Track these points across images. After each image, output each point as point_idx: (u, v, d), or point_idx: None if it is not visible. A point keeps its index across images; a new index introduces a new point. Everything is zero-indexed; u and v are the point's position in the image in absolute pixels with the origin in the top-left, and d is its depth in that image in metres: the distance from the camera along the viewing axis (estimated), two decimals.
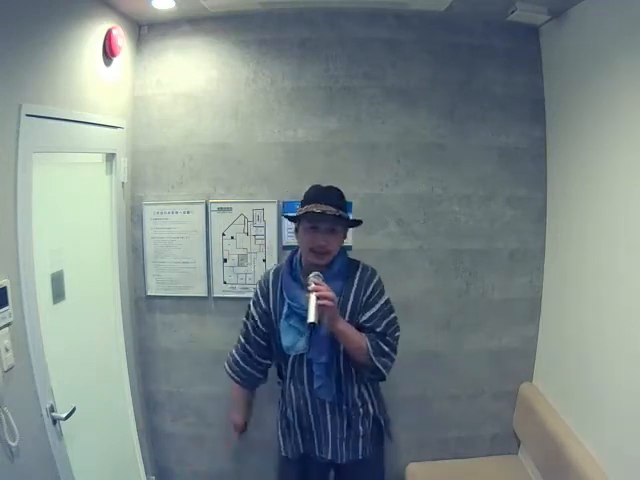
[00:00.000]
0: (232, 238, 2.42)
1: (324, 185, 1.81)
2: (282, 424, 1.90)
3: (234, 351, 1.96)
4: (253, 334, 1.89)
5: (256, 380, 1.97)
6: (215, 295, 2.45)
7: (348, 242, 2.36)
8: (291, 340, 1.74)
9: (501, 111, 2.35)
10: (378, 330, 1.73)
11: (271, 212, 2.39)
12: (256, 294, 1.89)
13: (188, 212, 2.42)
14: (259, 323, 1.87)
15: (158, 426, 2.57)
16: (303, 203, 1.76)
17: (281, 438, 1.90)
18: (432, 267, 2.42)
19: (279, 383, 1.95)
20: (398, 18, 2.31)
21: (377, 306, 1.76)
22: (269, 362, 1.96)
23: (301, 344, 1.73)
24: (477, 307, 2.45)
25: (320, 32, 2.32)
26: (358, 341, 1.69)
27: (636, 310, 1.64)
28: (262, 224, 2.40)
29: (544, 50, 2.33)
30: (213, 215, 2.41)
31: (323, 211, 1.66)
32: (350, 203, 2.34)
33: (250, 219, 2.40)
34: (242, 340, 1.93)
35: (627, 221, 1.71)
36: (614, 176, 1.80)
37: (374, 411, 1.86)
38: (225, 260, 2.43)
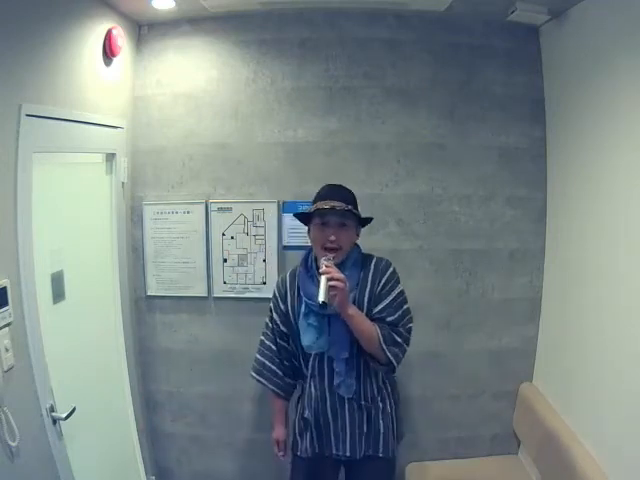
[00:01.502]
0: (232, 238, 2.42)
1: (334, 184, 1.84)
2: (299, 425, 1.90)
3: (263, 360, 1.93)
4: (279, 339, 1.90)
5: (289, 385, 1.95)
6: (215, 295, 2.45)
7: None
8: (311, 338, 1.75)
9: (501, 111, 2.35)
10: (390, 320, 1.74)
11: (271, 212, 2.39)
12: (275, 297, 1.91)
13: (188, 212, 2.42)
14: (281, 327, 1.88)
15: (158, 426, 2.57)
16: (313, 202, 1.79)
17: (299, 438, 1.91)
18: (432, 267, 2.42)
19: (303, 385, 1.93)
20: (398, 18, 2.31)
21: (391, 297, 1.77)
22: (297, 364, 1.93)
23: (321, 342, 1.74)
24: (477, 307, 2.45)
25: (320, 32, 2.32)
26: (368, 328, 1.70)
27: (636, 310, 1.64)
28: (262, 224, 2.40)
29: (544, 50, 2.33)
30: (213, 215, 2.41)
31: (332, 206, 1.69)
32: None
33: (250, 219, 2.40)
34: (272, 347, 1.91)
35: (627, 221, 1.71)
36: (614, 176, 1.80)
37: (391, 409, 1.87)
38: (225, 260, 2.43)
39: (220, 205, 2.40)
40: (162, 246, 2.44)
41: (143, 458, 2.42)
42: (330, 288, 1.58)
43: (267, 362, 1.92)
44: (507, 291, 2.44)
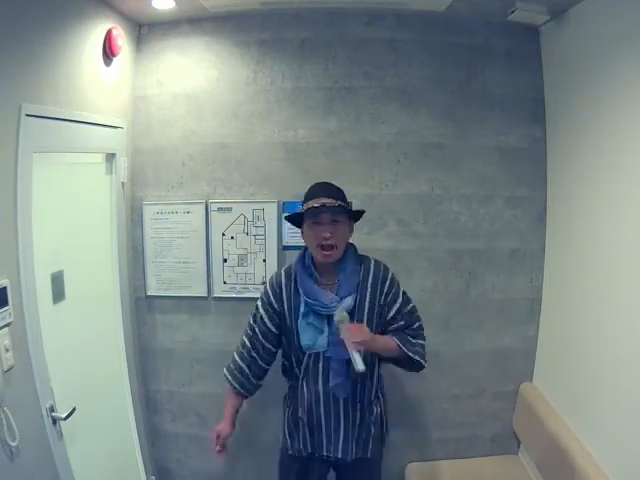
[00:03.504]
0: (232, 238, 2.42)
1: (322, 182, 1.84)
2: (290, 423, 1.89)
3: (237, 358, 1.90)
4: (262, 339, 1.85)
5: (256, 388, 1.93)
6: (215, 295, 2.45)
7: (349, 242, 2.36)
8: (311, 338, 1.75)
9: (501, 111, 2.35)
10: (402, 324, 1.80)
11: (271, 212, 2.39)
12: (267, 295, 1.85)
13: (188, 212, 2.42)
14: (269, 325, 1.84)
15: (158, 426, 2.57)
16: (303, 203, 1.79)
17: (288, 437, 1.89)
18: (432, 267, 2.42)
19: (291, 384, 1.93)
20: (398, 18, 2.30)
21: (398, 303, 1.81)
22: (269, 368, 1.93)
23: (321, 342, 1.75)
24: (477, 307, 2.45)
25: (320, 32, 2.32)
26: (391, 346, 1.76)
27: (636, 310, 1.64)
28: (262, 224, 2.40)
29: (544, 50, 2.33)
30: (213, 215, 2.41)
31: (322, 204, 1.70)
32: (350, 203, 2.35)
33: (250, 219, 2.40)
34: (248, 345, 1.87)
35: (627, 221, 1.71)
36: (614, 176, 1.80)
37: (381, 411, 1.89)
38: (225, 260, 2.43)
39: (220, 205, 2.40)
40: (162, 246, 2.44)
41: (143, 458, 2.42)
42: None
43: (237, 359, 1.89)
44: (507, 291, 2.44)
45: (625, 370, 1.69)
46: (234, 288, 2.44)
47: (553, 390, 2.27)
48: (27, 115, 1.53)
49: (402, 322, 1.80)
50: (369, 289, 1.78)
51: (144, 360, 2.52)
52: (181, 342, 2.50)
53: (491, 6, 2.14)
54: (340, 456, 1.83)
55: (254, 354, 1.87)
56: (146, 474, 2.44)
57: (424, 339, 1.85)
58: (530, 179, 2.39)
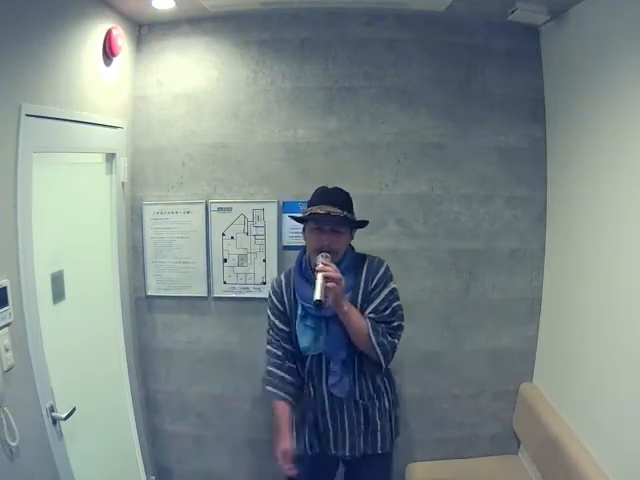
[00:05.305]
0: (232, 238, 2.42)
1: (330, 187, 1.82)
2: (297, 424, 1.89)
3: (275, 370, 1.84)
4: (284, 344, 1.84)
5: (298, 389, 1.86)
6: (215, 295, 2.45)
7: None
8: (308, 340, 1.75)
9: (501, 111, 2.35)
10: (381, 317, 1.75)
11: (271, 212, 2.38)
12: (271, 301, 1.88)
13: (188, 212, 2.42)
14: (283, 327, 1.84)
15: (158, 426, 2.57)
16: (309, 204, 1.78)
17: (295, 437, 1.88)
18: (432, 267, 2.42)
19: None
20: (398, 18, 2.30)
21: (382, 295, 1.77)
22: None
23: (319, 344, 1.75)
24: (477, 307, 2.45)
25: (320, 32, 2.32)
26: (361, 325, 1.70)
27: (636, 310, 1.64)
28: (262, 224, 2.40)
29: (544, 50, 2.33)
30: (213, 215, 2.41)
31: (327, 212, 1.68)
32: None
33: (250, 219, 2.40)
34: (280, 354, 1.84)
35: (627, 221, 1.71)
36: (614, 176, 1.80)
37: (389, 406, 1.88)
38: (225, 260, 2.43)
39: (220, 205, 2.40)
40: (162, 246, 2.44)
41: (143, 458, 2.42)
42: (326, 286, 1.59)
43: (276, 370, 1.84)
44: (507, 291, 2.44)
45: (625, 370, 1.69)
46: (234, 288, 2.44)
47: (553, 390, 2.27)
48: (27, 115, 1.53)
49: (380, 315, 1.74)
50: (362, 284, 1.79)
51: (144, 360, 2.51)
52: (181, 342, 2.50)
53: (491, 6, 2.14)
54: (348, 454, 1.83)
55: (285, 359, 1.84)
56: (146, 474, 2.44)
57: (398, 340, 1.77)
58: (530, 179, 2.39)
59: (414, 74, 2.33)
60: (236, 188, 2.40)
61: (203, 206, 2.41)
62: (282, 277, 1.90)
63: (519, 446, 2.50)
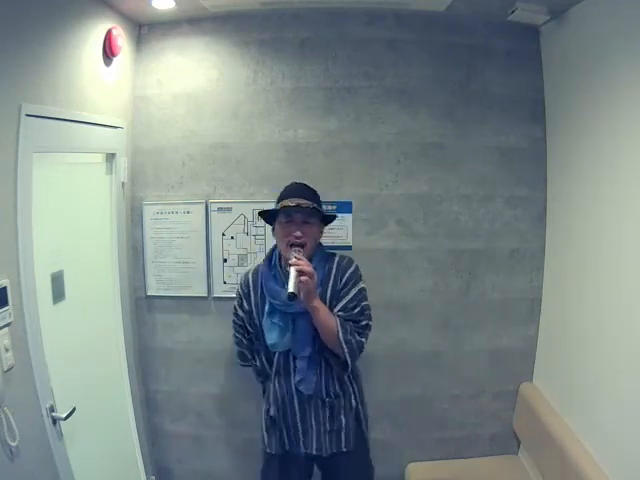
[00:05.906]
0: (232, 238, 2.42)
1: (298, 182, 1.90)
2: (267, 421, 1.92)
3: (246, 352, 2.00)
4: (247, 342, 1.96)
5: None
6: (215, 295, 2.45)
7: (348, 242, 2.37)
8: (275, 337, 1.79)
9: (501, 111, 2.35)
10: (349, 316, 1.79)
11: None
12: (239, 297, 1.94)
13: (188, 212, 2.42)
14: (247, 326, 1.92)
15: (158, 426, 2.57)
16: (278, 200, 1.84)
17: (265, 435, 1.93)
18: (432, 267, 2.42)
19: (262, 382, 1.99)
20: (398, 18, 2.30)
21: (350, 295, 1.81)
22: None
23: (286, 341, 1.78)
24: (477, 307, 2.45)
25: (320, 32, 2.32)
26: (330, 321, 1.74)
27: (636, 310, 1.64)
28: (262, 224, 2.39)
29: (544, 50, 2.33)
30: (213, 215, 2.41)
31: (297, 204, 1.74)
32: (350, 203, 2.36)
33: (250, 219, 2.40)
34: (244, 342, 1.98)
35: (627, 221, 1.71)
36: (614, 176, 1.80)
37: (356, 404, 1.90)
38: (225, 260, 2.43)
39: (220, 205, 2.40)
40: (162, 246, 2.44)
41: (143, 458, 2.42)
42: (299, 280, 1.63)
43: (245, 351, 1.98)
44: (507, 291, 2.44)
45: (625, 370, 1.69)
46: (234, 288, 2.43)
47: (553, 390, 2.27)
48: (27, 115, 1.53)
49: (348, 314, 1.78)
50: (331, 281, 1.82)
51: (144, 360, 2.51)
52: (181, 342, 2.50)
53: (491, 6, 2.14)
54: (315, 452, 1.85)
55: (252, 347, 1.96)
56: (146, 474, 2.44)
57: (365, 339, 1.81)
58: (530, 179, 2.39)
59: (414, 74, 2.33)
60: (236, 188, 2.40)
61: (203, 206, 2.41)
62: (250, 274, 1.94)
63: (519, 446, 2.50)
